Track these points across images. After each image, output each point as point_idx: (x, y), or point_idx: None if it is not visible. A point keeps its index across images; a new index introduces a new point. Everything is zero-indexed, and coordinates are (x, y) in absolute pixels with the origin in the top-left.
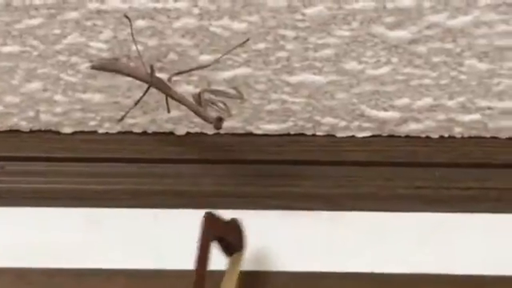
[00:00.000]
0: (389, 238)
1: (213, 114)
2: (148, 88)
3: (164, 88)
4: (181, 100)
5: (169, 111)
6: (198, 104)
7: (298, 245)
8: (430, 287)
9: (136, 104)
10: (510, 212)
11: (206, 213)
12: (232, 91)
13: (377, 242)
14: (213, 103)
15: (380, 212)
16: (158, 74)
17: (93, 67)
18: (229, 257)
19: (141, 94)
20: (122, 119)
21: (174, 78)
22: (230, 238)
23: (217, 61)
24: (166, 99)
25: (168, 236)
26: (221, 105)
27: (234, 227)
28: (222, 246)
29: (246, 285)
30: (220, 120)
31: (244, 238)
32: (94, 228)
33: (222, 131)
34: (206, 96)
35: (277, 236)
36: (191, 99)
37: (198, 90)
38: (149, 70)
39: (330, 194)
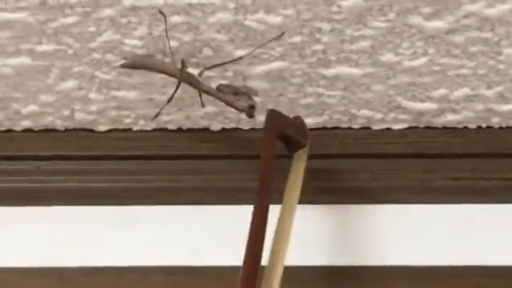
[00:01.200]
0: (427, 231)
1: (242, 102)
2: (179, 84)
3: (195, 83)
4: (211, 93)
5: (203, 106)
6: (223, 94)
7: (336, 238)
8: (468, 279)
9: (169, 101)
10: None
11: (270, 109)
12: (245, 89)
13: (415, 235)
14: (236, 93)
15: (418, 204)
16: (194, 70)
17: (123, 66)
18: (293, 153)
19: (176, 92)
20: (156, 116)
21: (206, 73)
22: (293, 133)
23: (250, 54)
24: (200, 94)
25: (205, 232)
26: (243, 89)
27: (297, 123)
28: (285, 143)
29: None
30: (252, 107)
31: (307, 133)
32: (131, 226)
33: (256, 126)
34: (225, 89)
35: (316, 230)
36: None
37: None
38: (180, 64)
39: (366, 188)
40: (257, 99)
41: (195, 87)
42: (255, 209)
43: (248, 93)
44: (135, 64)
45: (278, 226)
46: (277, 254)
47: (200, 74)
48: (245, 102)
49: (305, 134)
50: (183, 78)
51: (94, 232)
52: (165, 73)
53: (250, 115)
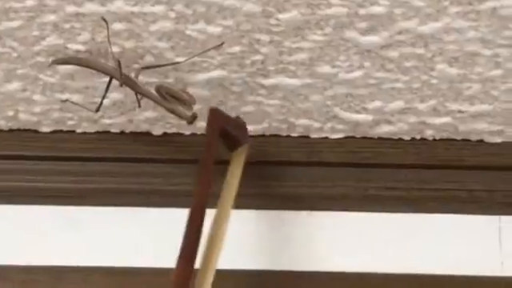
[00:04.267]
0: (360, 238)
1: (180, 108)
2: (111, 79)
3: (130, 83)
4: (149, 96)
5: (139, 105)
6: (162, 99)
7: (271, 243)
8: (400, 286)
9: (106, 92)
10: (479, 213)
11: (211, 107)
12: (185, 95)
13: (348, 242)
14: (173, 96)
15: (353, 212)
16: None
17: (54, 62)
18: (232, 152)
19: (117, 95)
20: (98, 109)
21: (147, 79)
22: (234, 131)
23: (189, 60)
24: (136, 95)
25: (145, 234)
26: (185, 95)
27: (238, 122)
28: (225, 141)
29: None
30: (195, 117)
31: (247, 133)
32: (73, 226)
33: (198, 132)
34: (164, 92)
35: (250, 235)
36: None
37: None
38: (116, 64)
39: (303, 194)
40: (196, 106)
41: (133, 89)
42: (191, 209)
43: (187, 99)
44: (67, 60)
45: (212, 229)
46: (209, 258)
47: (136, 75)
48: (186, 110)
49: (245, 133)
50: (118, 77)
51: (35, 231)
52: (100, 70)
53: (191, 123)
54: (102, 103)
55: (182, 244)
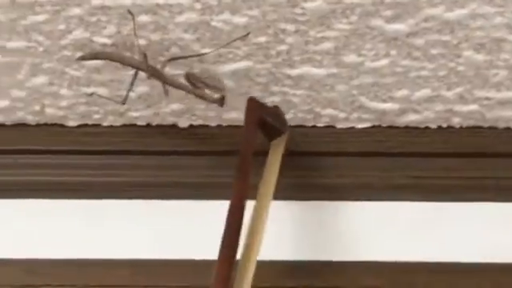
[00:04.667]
0: (387, 227)
1: (209, 93)
2: (136, 73)
3: (157, 74)
4: (177, 85)
5: (166, 94)
6: (191, 86)
7: (301, 234)
8: (423, 274)
9: (133, 82)
10: (506, 201)
11: (250, 97)
12: (214, 81)
13: (376, 231)
14: (203, 82)
15: (380, 202)
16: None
17: (81, 58)
18: (271, 141)
19: (143, 88)
20: (124, 101)
21: (173, 71)
22: (272, 121)
23: (215, 51)
24: (163, 86)
25: (172, 227)
26: (213, 82)
27: (276, 111)
28: (263, 131)
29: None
30: (223, 98)
31: (285, 122)
32: (100, 219)
33: (224, 123)
34: (193, 79)
35: (279, 226)
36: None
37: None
38: (143, 56)
39: (330, 185)
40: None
41: (160, 80)
42: (232, 200)
43: (216, 84)
44: (95, 55)
45: (253, 219)
46: (250, 248)
47: (163, 67)
48: (214, 93)
49: (283, 122)
50: (146, 69)
51: (64, 225)
52: (128, 64)
53: (222, 105)
54: (128, 95)
55: (223, 235)
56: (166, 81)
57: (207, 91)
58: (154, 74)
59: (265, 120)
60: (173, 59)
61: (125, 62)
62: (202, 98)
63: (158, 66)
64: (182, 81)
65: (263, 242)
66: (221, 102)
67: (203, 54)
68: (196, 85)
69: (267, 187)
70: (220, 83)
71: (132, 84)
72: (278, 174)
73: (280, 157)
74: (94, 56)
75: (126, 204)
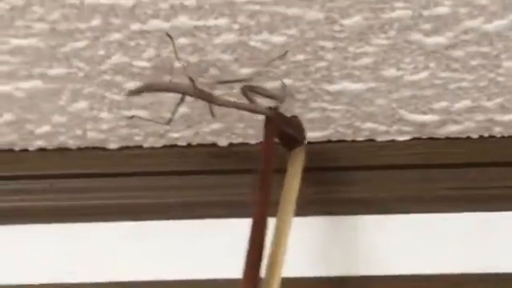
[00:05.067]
0: (432, 240)
1: (260, 106)
2: (183, 97)
3: (207, 97)
4: (226, 104)
5: (213, 115)
6: (247, 99)
7: (343, 248)
8: (472, 286)
9: (175, 110)
10: None
11: (269, 107)
12: (273, 92)
13: (421, 244)
14: (262, 93)
15: (424, 214)
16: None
17: (131, 93)
18: (290, 151)
19: (183, 108)
20: (169, 121)
21: (217, 91)
22: (291, 131)
23: (258, 74)
24: (210, 106)
25: (215, 246)
26: (271, 93)
27: (295, 121)
28: (283, 141)
29: None
30: (275, 109)
31: (303, 131)
32: (144, 240)
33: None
34: (249, 91)
35: (323, 241)
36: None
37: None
38: (189, 81)
39: (373, 198)
40: (260, 117)
41: (208, 101)
42: (253, 218)
43: (273, 95)
44: (144, 88)
45: (275, 236)
46: (274, 265)
47: (212, 88)
48: (270, 103)
49: (302, 132)
50: (196, 93)
51: (108, 247)
52: (177, 91)
53: (273, 116)
54: (173, 117)
55: (246, 253)
56: (217, 102)
57: (259, 105)
58: (201, 96)
59: (283, 131)
60: (220, 82)
61: (173, 90)
62: (254, 112)
63: (206, 89)
64: (231, 99)
65: (292, 259)
66: (273, 114)
67: (248, 79)
68: (249, 97)
69: (289, 198)
70: (283, 89)
71: (178, 106)
72: (310, 195)
73: (301, 166)
74: (143, 89)
75: (170, 224)
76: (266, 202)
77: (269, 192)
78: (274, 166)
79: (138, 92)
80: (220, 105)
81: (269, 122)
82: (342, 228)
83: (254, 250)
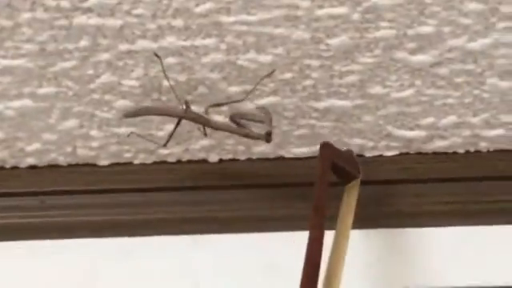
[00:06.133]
0: (417, 255)
1: (253, 131)
2: (180, 120)
3: (201, 120)
4: (222, 127)
5: (205, 135)
6: (236, 125)
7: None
8: None
9: (171, 134)
10: None
11: (323, 142)
12: (260, 114)
13: (408, 258)
14: (249, 119)
15: (411, 228)
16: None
17: (125, 116)
18: (345, 185)
19: (173, 126)
20: (166, 143)
21: (195, 109)
22: (345, 165)
23: (249, 93)
24: (203, 126)
25: (207, 262)
26: (259, 117)
27: (348, 155)
28: (338, 175)
29: None
30: (269, 134)
31: (358, 165)
32: (136, 257)
33: (253, 156)
34: (238, 118)
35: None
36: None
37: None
38: (181, 105)
39: (360, 213)
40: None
41: (203, 124)
42: (310, 235)
43: (262, 119)
44: (141, 112)
45: (333, 252)
46: (331, 282)
47: (206, 112)
48: (262, 130)
49: (356, 166)
50: (189, 117)
51: (99, 264)
52: (170, 115)
53: (268, 141)
54: (170, 139)
55: (303, 268)
56: (213, 126)
57: (253, 128)
58: (198, 120)
59: (337, 164)
60: (213, 106)
61: (169, 114)
62: (248, 137)
63: (202, 111)
64: (224, 121)
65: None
66: (267, 138)
67: (241, 100)
68: (240, 123)
69: (344, 229)
70: (267, 115)
71: (175, 129)
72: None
73: (354, 200)
74: (140, 113)
75: (161, 240)
76: (320, 235)
77: (322, 227)
78: (326, 199)
79: (134, 115)
80: (216, 129)
81: (323, 156)
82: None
83: (312, 265)
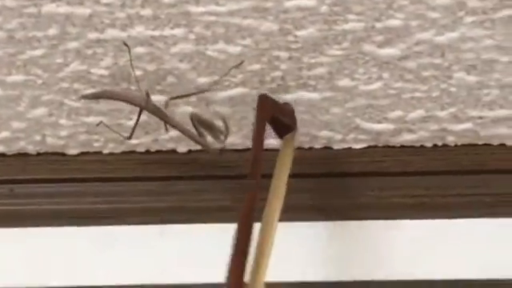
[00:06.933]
0: (387, 247)
1: (210, 138)
2: (141, 111)
3: (160, 115)
4: (177, 127)
5: (167, 130)
6: (194, 127)
7: (296, 255)
8: None
9: (135, 126)
10: (505, 217)
11: (261, 93)
12: (218, 124)
13: (375, 251)
14: (207, 125)
15: (378, 220)
16: (159, 97)
17: (85, 97)
18: (281, 138)
19: (142, 116)
20: (130, 137)
21: (172, 102)
22: (282, 117)
23: (215, 83)
24: (165, 122)
25: (175, 251)
26: (218, 125)
27: (286, 108)
28: (274, 127)
29: None
30: (221, 151)
31: (295, 118)
32: (103, 246)
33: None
34: (196, 122)
35: (277, 247)
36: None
37: (197, 111)
38: (145, 95)
39: (328, 205)
40: (217, 125)
41: (160, 118)
42: (239, 219)
43: (220, 130)
44: (100, 94)
45: (260, 239)
46: (258, 270)
47: (166, 104)
48: (217, 141)
49: (293, 118)
50: (149, 108)
51: (67, 253)
52: (132, 103)
53: (220, 156)
54: (134, 131)
55: (230, 257)
56: (169, 122)
57: (209, 139)
58: (156, 113)
59: (276, 117)
60: (174, 98)
61: (128, 101)
62: (202, 146)
63: (162, 103)
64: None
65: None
66: (219, 154)
67: (205, 91)
68: (199, 130)
69: (279, 187)
70: (226, 127)
71: (138, 120)
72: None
73: (291, 152)
74: (99, 95)
75: (130, 229)
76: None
77: (257, 191)
78: (262, 154)
79: (93, 97)
80: (171, 125)
81: (261, 107)
82: (297, 235)
83: (239, 254)
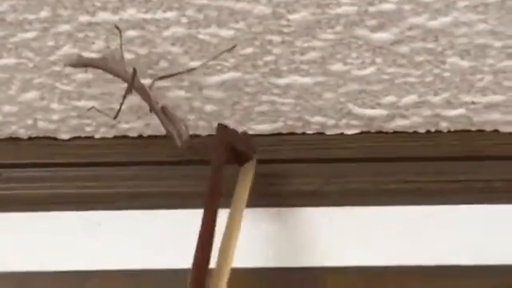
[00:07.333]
0: (377, 232)
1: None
2: (129, 88)
3: (144, 96)
4: (156, 112)
5: (151, 111)
6: (168, 120)
7: (291, 241)
8: (419, 279)
9: (121, 105)
10: (498, 203)
11: (219, 123)
12: (183, 126)
13: (366, 236)
14: (172, 121)
15: (371, 206)
16: (150, 81)
17: (69, 65)
18: (240, 166)
19: (133, 99)
20: (116, 115)
21: (162, 83)
22: (241, 146)
23: (204, 65)
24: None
25: (167, 236)
26: (183, 127)
27: (245, 138)
28: (234, 156)
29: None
30: (187, 147)
31: (254, 147)
32: (93, 230)
33: (214, 132)
34: (167, 114)
35: (272, 233)
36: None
37: (189, 95)
38: (132, 72)
39: (321, 191)
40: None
41: (145, 100)
42: (205, 213)
43: (179, 130)
44: (86, 62)
45: (227, 229)
46: (224, 256)
47: (151, 85)
48: (181, 133)
49: (252, 147)
50: (136, 86)
51: (56, 237)
52: (116, 75)
53: (180, 146)
54: (120, 110)
55: (197, 244)
56: (150, 104)
57: (175, 133)
58: (140, 91)
59: (234, 146)
60: (161, 78)
61: (113, 73)
62: (171, 137)
63: (148, 82)
64: (173, 107)
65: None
66: (183, 148)
67: (192, 70)
68: (164, 123)
69: (238, 207)
70: (185, 130)
71: (124, 98)
72: (257, 187)
73: (249, 181)
74: (82, 62)
75: (120, 214)
76: (214, 209)
77: (217, 203)
78: (222, 183)
79: (78, 64)
80: (150, 109)
81: (219, 137)
82: (291, 220)
83: (204, 240)
